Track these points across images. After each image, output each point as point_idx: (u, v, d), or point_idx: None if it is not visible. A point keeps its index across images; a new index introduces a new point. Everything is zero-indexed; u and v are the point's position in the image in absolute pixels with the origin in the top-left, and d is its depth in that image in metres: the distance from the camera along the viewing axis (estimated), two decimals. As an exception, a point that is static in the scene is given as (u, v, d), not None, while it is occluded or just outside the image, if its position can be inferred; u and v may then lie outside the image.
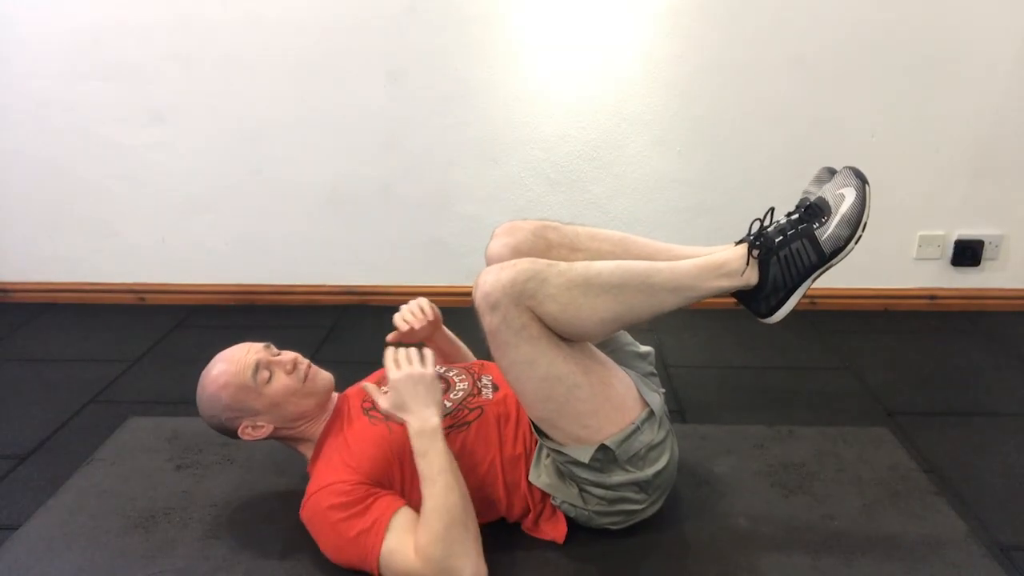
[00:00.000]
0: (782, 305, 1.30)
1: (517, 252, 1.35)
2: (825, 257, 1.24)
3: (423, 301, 1.55)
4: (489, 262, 1.36)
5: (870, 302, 2.59)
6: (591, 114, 2.41)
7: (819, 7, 2.26)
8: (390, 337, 1.51)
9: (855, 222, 1.22)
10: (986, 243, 2.49)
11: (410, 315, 1.51)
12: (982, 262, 2.52)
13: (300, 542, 1.37)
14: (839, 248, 1.24)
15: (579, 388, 1.25)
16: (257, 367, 1.34)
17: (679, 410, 1.95)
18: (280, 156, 2.50)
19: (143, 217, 2.60)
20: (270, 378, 1.35)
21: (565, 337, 1.26)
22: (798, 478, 1.60)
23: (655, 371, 1.49)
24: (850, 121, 2.38)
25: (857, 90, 2.34)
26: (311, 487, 1.32)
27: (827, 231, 1.23)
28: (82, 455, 1.73)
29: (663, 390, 1.43)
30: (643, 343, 1.54)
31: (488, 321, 1.21)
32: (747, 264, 1.26)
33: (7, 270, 2.71)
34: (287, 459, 1.62)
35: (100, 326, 2.52)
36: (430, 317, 1.52)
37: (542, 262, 1.22)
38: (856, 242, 1.23)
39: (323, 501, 1.27)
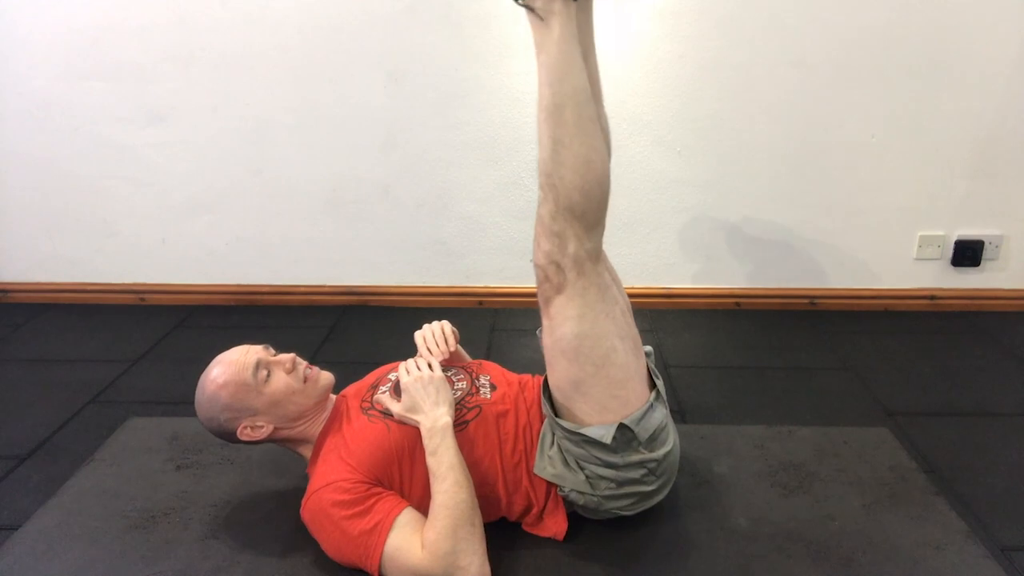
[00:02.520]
0: None
1: None
2: None
3: (447, 327, 1.53)
4: None
5: (870, 302, 2.59)
6: (591, 114, 2.40)
7: (819, 8, 2.26)
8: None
9: None
10: (986, 243, 2.49)
11: (434, 345, 1.49)
12: (982, 262, 2.52)
13: (300, 542, 1.37)
14: None
15: (615, 352, 1.28)
16: (257, 365, 1.35)
17: (679, 410, 1.95)
18: (280, 156, 2.51)
19: (143, 217, 2.60)
20: (269, 376, 1.36)
21: (602, 179, 1.25)
22: (798, 478, 1.60)
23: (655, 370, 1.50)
24: (850, 121, 2.38)
25: (857, 91, 2.34)
26: (312, 486, 1.32)
27: None
28: (82, 455, 1.74)
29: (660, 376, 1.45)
30: (642, 343, 1.55)
31: (552, 282, 1.26)
32: (536, 12, 1.20)
33: (7, 270, 2.71)
34: (287, 459, 1.62)
35: (100, 326, 2.52)
36: (452, 348, 1.51)
37: (540, 211, 1.27)
38: None
39: (325, 499, 1.28)
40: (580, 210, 1.22)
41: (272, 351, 1.42)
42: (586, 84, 1.23)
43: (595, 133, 1.23)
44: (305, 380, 1.39)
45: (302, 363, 1.42)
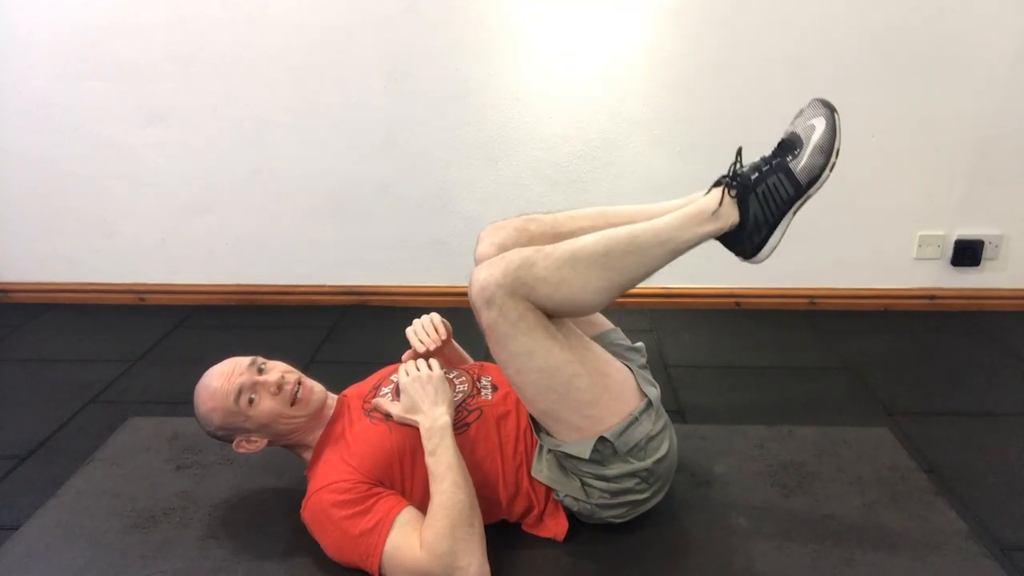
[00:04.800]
0: (766, 242, 1.30)
1: (504, 250, 1.36)
2: (802, 188, 1.25)
3: (436, 318, 1.55)
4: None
5: (870, 302, 2.59)
6: (591, 114, 2.41)
7: (819, 8, 2.26)
8: (405, 356, 1.53)
9: (828, 149, 1.24)
10: (986, 243, 2.49)
11: (425, 336, 1.51)
12: (982, 262, 2.52)
13: (300, 542, 1.37)
14: (815, 177, 1.24)
15: (578, 377, 1.27)
16: (240, 393, 1.33)
17: (679, 410, 1.95)
18: (280, 156, 2.50)
19: (143, 217, 2.60)
20: (254, 402, 1.34)
21: (566, 314, 1.27)
22: (798, 478, 1.60)
23: (647, 364, 1.50)
24: (850, 121, 2.36)
25: (857, 90, 2.34)
26: (312, 486, 1.32)
27: (801, 162, 1.24)
28: (82, 455, 1.74)
29: (657, 384, 1.44)
30: (640, 342, 1.55)
31: (485, 317, 1.23)
32: (722, 203, 1.26)
33: (7, 270, 2.71)
34: (287, 459, 1.61)
35: (100, 326, 2.52)
36: (443, 337, 1.53)
37: (528, 249, 1.24)
38: (831, 170, 1.24)
39: (325, 499, 1.28)
40: (543, 308, 1.24)
41: (260, 362, 1.39)
42: (643, 278, 1.29)
43: (610, 294, 1.27)
44: (294, 403, 1.36)
45: (291, 380, 1.38)
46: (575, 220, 1.40)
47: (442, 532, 1.21)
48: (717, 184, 1.29)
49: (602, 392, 1.30)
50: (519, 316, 1.22)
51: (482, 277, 1.22)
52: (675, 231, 1.27)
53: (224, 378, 1.34)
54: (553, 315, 1.27)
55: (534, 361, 1.25)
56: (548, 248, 1.24)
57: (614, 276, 1.25)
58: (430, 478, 1.27)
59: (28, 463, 1.75)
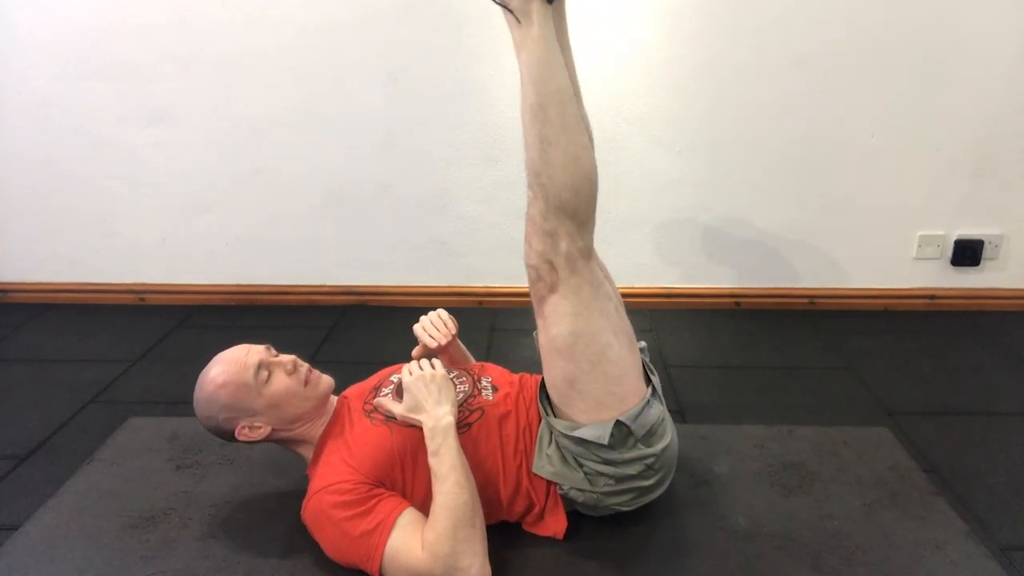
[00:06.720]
0: None
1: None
2: None
3: (443, 313, 1.57)
4: None
5: (870, 302, 2.59)
6: (591, 114, 2.38)
7: (819, 7, 2.26)
8: (416, 352, 1.55)
9: None
10: (986, 243, 2.49)
11: (435, 331, 1.53)
12: (982, 262, 2.52)
13: (300, 542, 1.37)
14: None
15: (611, 348, 1.28)
16: (259, 366, 1.34)
17: (679, 410, 1.95)
18: (280, 156, 2.50)
19: (143, 217, 2.60)
20: (269, 378, 1.35)
21: (588, 175, 1.25)
22: (798, 478, 1.60)
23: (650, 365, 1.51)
24: (850, 121, 2.38)
25: (857, 90, 2.34)
26: (312, 487, 1.32)
27: None
28: (82, 455, 1.74)
29: (656, 372, 1.46)
30: (639, 341, 1.55)
31: (548, 278, 1.26)
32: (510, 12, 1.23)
33: (7, 270, 2.71)
34: (287, 459, 1.62)
35: (100, 326, 2.52)
36: (453, 331, 1.55)
37: (530, 206, 1.26)
38: None
39: (325, 500, 1.27)
40: (571, 208, 1.23)
41: (273, 351, 1.41)
42: (568, 82, 1.25)
43: (580, 130, 1.25)
44: (306, 383, 1.39)
45: (303, 365, 1.41)
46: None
47: (444, 533, 1.21)
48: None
49: (629, 368, 1.31)
50: (571, 271, 1.24)
51: (533, 256, 1.26)
52: (532, 60, 1.22)
53: (242, 353, 1.36)
54: (591, 199, 1.26)
55: (576, 323, 1.26)
56: (532, 197, 1.25)
57: (561, 131, 1.21)
58: (433, 478, 1.27)
59: (28, 463, 1.75)
